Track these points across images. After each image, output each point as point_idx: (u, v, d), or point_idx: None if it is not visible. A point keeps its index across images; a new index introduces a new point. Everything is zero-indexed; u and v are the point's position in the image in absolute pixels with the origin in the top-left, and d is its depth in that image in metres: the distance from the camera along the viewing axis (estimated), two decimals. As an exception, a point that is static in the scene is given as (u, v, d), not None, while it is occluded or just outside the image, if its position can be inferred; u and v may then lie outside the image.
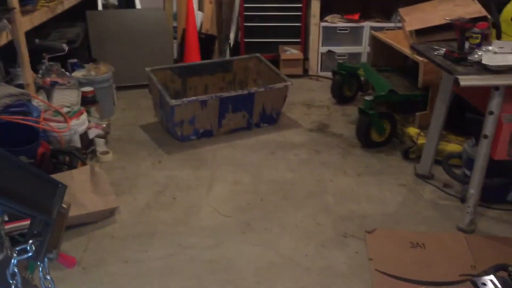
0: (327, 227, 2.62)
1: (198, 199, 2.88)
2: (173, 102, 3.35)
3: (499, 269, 1.80)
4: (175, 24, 4.94)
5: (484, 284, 1.68)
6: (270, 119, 3.83)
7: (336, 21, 4.85)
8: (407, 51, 3.42)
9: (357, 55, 4.92)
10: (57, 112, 3.12)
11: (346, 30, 4.84)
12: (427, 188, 2.99)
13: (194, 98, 3.48)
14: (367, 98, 3.42)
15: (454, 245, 2.47)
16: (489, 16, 3.14)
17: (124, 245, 2.47)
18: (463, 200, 2.75)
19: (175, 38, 4.91)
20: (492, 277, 1.71)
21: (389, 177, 3.11)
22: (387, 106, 3.67)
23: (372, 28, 4.66)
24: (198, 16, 4.91)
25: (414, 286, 2.17)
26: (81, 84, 3.64)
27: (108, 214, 2.66)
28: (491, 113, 2.33)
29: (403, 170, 3.19)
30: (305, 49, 5.01)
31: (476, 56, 2.37)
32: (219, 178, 3.11)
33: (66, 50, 3.79)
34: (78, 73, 3.83)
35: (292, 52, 4.92)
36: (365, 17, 4.89)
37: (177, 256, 2.39)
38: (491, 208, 2.76)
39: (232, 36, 5.07)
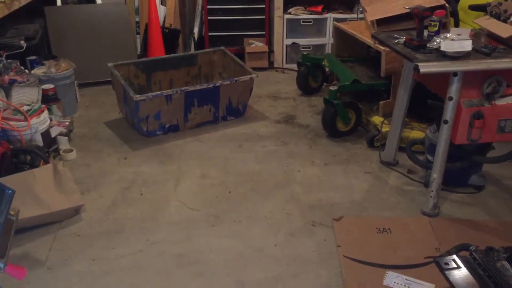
0: (296, 216, 2.64)
1: (166, 194, 2.85)
2: (137, 97, 3.30)
3: (461, 249, 1.85)
4: (137, 19, 4.87)
5: (447, 264, 1.72)
6: (237, 112, 3.82)
7: (300, 13, 4.87)
8: (369, 41, 3.46)
9: (321, 47, 4.96)
10: (17, 111, 3.04)
11: (310, 22, 4.87)
12: (392, 174, 3.05)
13: (158, 92, 3.43)
14: (332, 88, 3.45)
15: (419, 229, 2.53)
16: (447, 5, 3.21)
17: (91, 243, 2.43)
18: (426, 185, 2.81)
19: (138, 33, 4.84)
20: (454, 257, 1.76)
21: (355, 165, 3.15)
22: (352, 96, 3.71)
23: (335, 19, 4.70)
24: (161, 10, 4.84)
25: (381, 270, 2.21)
26: (41, 81, 3.54)
27: (73, 213, 2.60)
28: (451, 98, 2.39)
29: (369, 158, 3.24)
30: (270, 42, 5.02)
31: (435, 43, 2.42)
32: (187, 172, 3.08)
33: (24, 47, 3.69)
34: (38, 71, 3.73)
35: (257, 45, 4.91)
36: (328, 8, 4.93)
37: (146, 252, 2.37)
38: (454, 191, 2.83)
39: (196, 30, 5.02)
